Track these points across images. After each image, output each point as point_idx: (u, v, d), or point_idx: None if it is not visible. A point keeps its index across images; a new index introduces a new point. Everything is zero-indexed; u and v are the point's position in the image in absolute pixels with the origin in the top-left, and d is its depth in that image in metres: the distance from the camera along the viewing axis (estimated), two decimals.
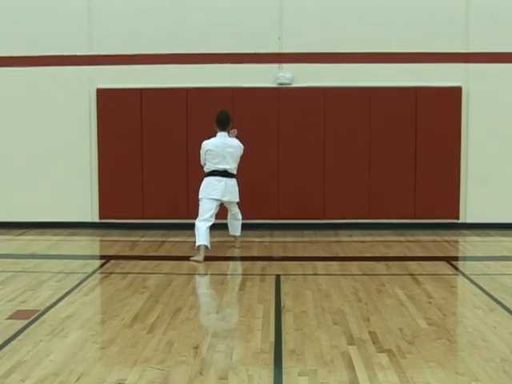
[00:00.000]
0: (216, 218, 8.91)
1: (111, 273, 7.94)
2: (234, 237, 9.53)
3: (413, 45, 10.81)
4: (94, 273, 7.97)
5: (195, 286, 7.44)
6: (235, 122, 10.83)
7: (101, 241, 10.45)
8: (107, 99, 10.92)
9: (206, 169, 8.99)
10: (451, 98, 10.82)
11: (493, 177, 10.94)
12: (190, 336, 5.53)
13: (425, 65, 10.79)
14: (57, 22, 10.97)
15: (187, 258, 8.70)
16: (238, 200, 9.17)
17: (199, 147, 9.07)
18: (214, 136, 9.00)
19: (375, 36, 10.86)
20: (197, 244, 8.67)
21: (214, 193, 8.87)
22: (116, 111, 10.92)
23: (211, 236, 8.82)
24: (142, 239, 10.29)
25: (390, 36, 10.86)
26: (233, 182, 9.00)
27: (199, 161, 9.11)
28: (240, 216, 9.33)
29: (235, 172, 9.05)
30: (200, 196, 8.91)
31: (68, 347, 5.24)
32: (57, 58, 10.96)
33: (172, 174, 10.92)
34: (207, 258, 8.69)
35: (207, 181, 8.94)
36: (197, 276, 7.96)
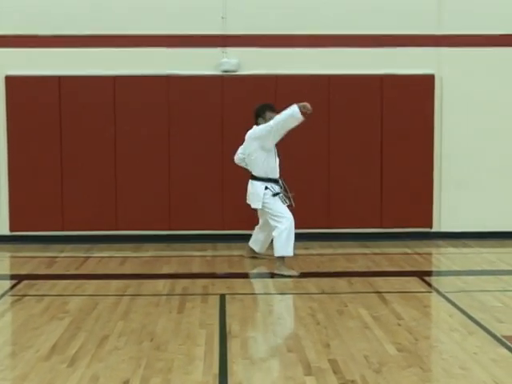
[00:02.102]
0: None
1: (24, 295, 7.80)
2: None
3: (377, 26, 10.94)
4: (2, 296, 7.82)
5: (125, 309, 7.36)
6: (170, 116, 10.80)
7: (11, 257, 10.27)
8: (18, 88, 10.75)
9: None
10: (422, 87, 10.98)
11: (470, 179, 11.12)
12: (119, 369, 5.46)
13: (391, 49, 10.93)
14: None
15: (115, 277, 8.63)
16: (255, 206, 8.99)
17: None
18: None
19: (334, 16, 10.95)
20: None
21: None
22: (29, 103, 10.76)
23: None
24: (62, 255, 10.15)
25: (352, 16, 10.97)
26: (250, 184, 9.03)
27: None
28: (270, 229, 9.01)
29: (254, 174, 9.00)
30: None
31: None
32: None
33: (97, 178, 10.81)
34: (137, 276, 8.62)
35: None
36: (127, 297, 7.87)
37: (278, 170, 9.11)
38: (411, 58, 10.94)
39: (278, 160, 9.14)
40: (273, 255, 8.94)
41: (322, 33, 10.92)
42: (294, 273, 8.70)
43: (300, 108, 8.67)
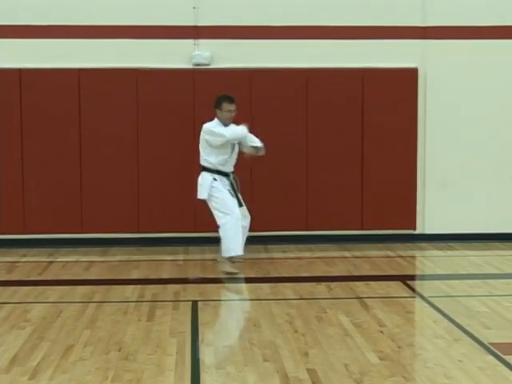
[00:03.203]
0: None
1: None
2: None
3: (358, 17, 10.96)
4: None
5: (91, 317, 7.32)
6: (139, 112, 10.77)
7: None
8: None
9: None
10: (405, 82, 11.02)
11: (456, 179, 11.18)
12: (85, 381, 5.43)
13: (373, 41, 10.96)
14: None
15: (80, 283, 8.59)
16: (201, 196, 9.31)
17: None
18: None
19: (313, 6, 10.97)
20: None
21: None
22: None
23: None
24: (23, 259, 10.09)
25: (332, 6, 10.99)
26: (200, 175, 9.34)
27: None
28: (219, 222, 9.26)
29: (203, 164, 9.31)
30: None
31: None
32: None
33: (61, 177, 10.74)
34: (105, 282, 8.59)
35: None
36: (93, 304, 7.83)
37: (232, 164, 9.32)
38: (394, 51, 10.97)
39: (234, 155, 9.33)
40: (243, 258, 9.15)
41: (299, 24, 10.92)
42: (235, 271, 8.98)
43: (256, 147, 9.28)
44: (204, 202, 9.28)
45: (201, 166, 9.28)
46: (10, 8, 10.71)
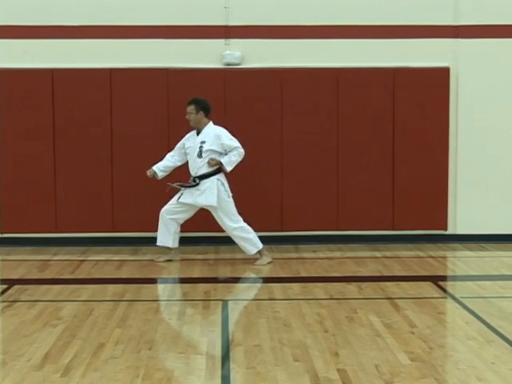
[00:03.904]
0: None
1: (15, 301, 7.81)
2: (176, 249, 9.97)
3: (390, 16, 10.92)
4: None
5: (122, 315, 7.36)
6: (170, 112, 10.81)
7: (1, 261, 10.26)
8: (10, 82, 10.75)
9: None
10: (437, 81, 10.96)
11: (488, 179, 11.09)
12: (116, 379, 5.46)
13: (404, 40, 10.91)
14: None
15: (111, 281, 8.64)
16: (212, 203, 9.69)
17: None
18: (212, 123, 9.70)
19: (344, 5, 10.94)
20: (258, 248, 9.61)
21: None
22: (22, 97, 10.76)
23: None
24: (55, 258, 10.16)
25: (363, 5, 10.95)
26: None
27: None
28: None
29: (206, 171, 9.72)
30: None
31: None
32: None
33: (93, 177, 10.80)
34: (136, 281, 8.62)
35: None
36: (124, 303, 7.87)
37: (193, 169, 9.59)
38: (425, 50, 10.91)
39: (195, 159, 9.56)
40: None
41: (330, 23, 10.90)
42: (270, 259, 9.69)
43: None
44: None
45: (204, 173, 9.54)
46: (41, 9, 10.79)
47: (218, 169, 9.52)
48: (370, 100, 10.90)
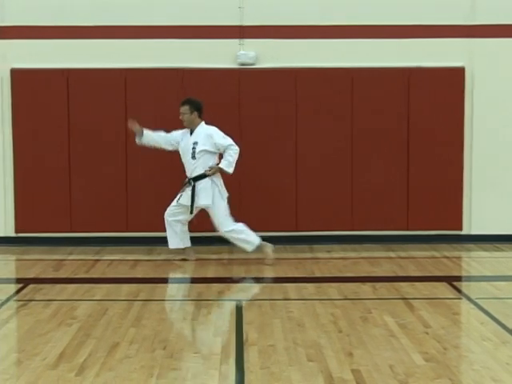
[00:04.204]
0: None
1: (30, 300, 7.84)
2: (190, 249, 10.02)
3: (404, 15, 10.89)
4: (7, 301, 7.84)
5: (136, 315, 7.37)
6: None
7: (17, 260, 10.31)
8: (24, 82, 10.79)
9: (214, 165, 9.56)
10: (452, 81, 10.92)
11: (503, 179, 11.05)
12: (130, 378, 5.47)
13: (419, 40, 10.88)
14: None
15: (126, 281, 8.66)
16: (207, 202, 9.71)
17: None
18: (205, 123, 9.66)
19: (358, 5, 10.92)
20: (256, 243, 9.58)
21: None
22: (36, 97, 10.80)
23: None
24: (70, 257, 10.19)
25: (377, 4, 10.93)
26: None
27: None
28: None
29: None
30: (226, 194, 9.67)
31: None
32: None
33: (107, 177, 10.83)
34: (150, 280, 8.65)
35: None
36: (138, 302, 7.88)
37: (188, 170, 9.59)
38: (440, 50, 10.87)
39: (189, 161, 9.56)
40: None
41: (345, 23, 10.89)
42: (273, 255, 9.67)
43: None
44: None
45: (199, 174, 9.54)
46: (55, 9, 10.82)
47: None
48: (385, 100, 10.88)
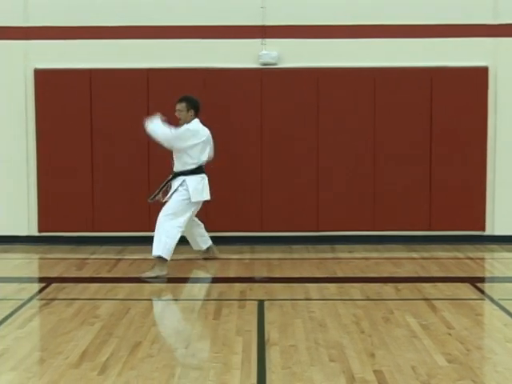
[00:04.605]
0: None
1: (53, 299, 7.87)
2: (211, 249, 9.85)
3: (427, 15, 10.85)
4: (31, 299, 7.89)
5: (159, 314, 7.40)
6: (207, 111, 10.83)
7: (40, 259, 10.37)
8: (48, 82, 10.85)
9: (192, 164, 9.20)
10: (475, 81, 10.87)
11: None
12: (152, 377, 5.48)
13: (442, 40, 10.84)
14: None
15: (148, 280, 8.70)
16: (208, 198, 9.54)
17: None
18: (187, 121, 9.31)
19: (380, 4, 10.90)
20: (163, 255, 8.87)
21: (206, 193, 9.31)
22: (59, 97, 10.86)
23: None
24: (93, 256, 10.24)
25: (399, 4, 10.90)
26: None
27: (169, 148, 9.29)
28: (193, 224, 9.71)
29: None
30: (193, 199, 9.12)
31: None
32: None
33: (130, 177, 10.87)
34: (172, 280, 8.69)
35: (196, 180, 9.18)
36: (161, 302, 7.90)
37: (176, 165, 9.36)
38: (463, 50, 10.83)
39: (177, 155, 9.35)
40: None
41: (367, 23, 10.87)
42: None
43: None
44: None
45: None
46: (78, 10, 10.87)
47: (195, 169, 9.22)
48: (408, 100, 10.84)
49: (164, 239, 8.92)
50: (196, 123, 9.30)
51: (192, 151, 9.19)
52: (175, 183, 9.22)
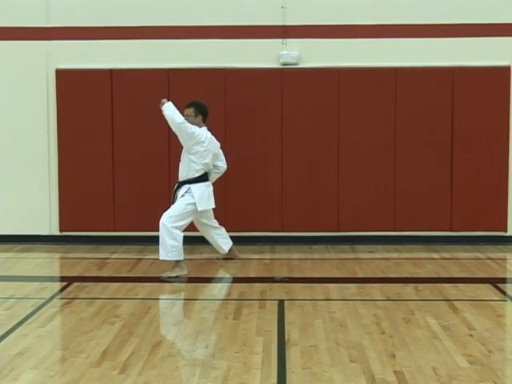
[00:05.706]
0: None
1: (74, 298, 7.91)
2: (231, 250, 9.89)
3: (449, 14, 10.80)
4: (52, 298, 7.93)
5: (179, 314, 7.40)
6: (227, 111, 10.86)
7: (61, 258, 10.42)
8: (69, 82, 10.91)
9: (196, 170, 9.18)
10: (497, 80, 10.81)
11: None
12: (173, 377, 5.49)
13: (463, 39, 10.79)
14: None
15: (168, 280, 8.74)
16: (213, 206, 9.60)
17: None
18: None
19: (401, 4, 10.86)
20: (173, 258, 8.96)
21: (211, 202, 9.37)
22: (80, 97, 10.91)
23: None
24: (113, 256, 10.27)
25: (421, 4, 10.86)
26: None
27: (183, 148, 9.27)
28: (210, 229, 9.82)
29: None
30: (200, 208, 9.13)
31: None
32: (5, 31, 10.96)
33: (151, 176, 10.90)
34: (192, 279, 8.72)
35: (202, 188, 9.20)
36: (181, 302, 7.92)
37: (180, 174, 9.37)
38: (485, 49, 10.77)
39: (182, 163, 9.37)
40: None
41: (387, 22, 10.83)
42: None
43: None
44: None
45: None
46: (99, 10, 10.92)
47: (199, 177, 9.22)
48: (428, 100, 10.80)
49: (170, 242, 8.95)
50: (204, 131, 9.30)
51: (195, 156, 9.20)
52: (181, 191, 9.23)
